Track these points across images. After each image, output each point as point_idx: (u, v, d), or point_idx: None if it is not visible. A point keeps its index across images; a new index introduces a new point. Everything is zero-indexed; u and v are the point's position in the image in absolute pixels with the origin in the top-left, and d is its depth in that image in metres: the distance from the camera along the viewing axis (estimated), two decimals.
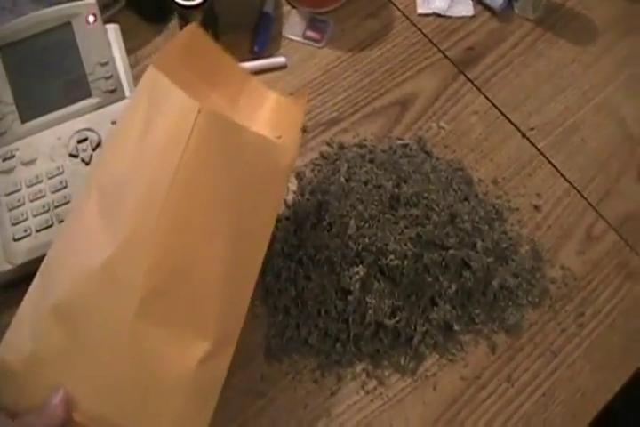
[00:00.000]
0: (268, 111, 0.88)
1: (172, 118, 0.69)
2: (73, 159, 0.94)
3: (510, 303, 1.01)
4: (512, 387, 0.97)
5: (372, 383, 0.94)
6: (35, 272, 0.74)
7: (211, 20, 1.01)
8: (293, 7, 1.17)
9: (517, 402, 0.96)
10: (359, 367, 0.95)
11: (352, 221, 0.93)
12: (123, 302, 0.68)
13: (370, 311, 0.92)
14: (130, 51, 1.05)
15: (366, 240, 0.92)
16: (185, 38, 0.80)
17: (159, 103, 0.71)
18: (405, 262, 0.92)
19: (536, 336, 1.00)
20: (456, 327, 0.96)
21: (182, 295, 0.70)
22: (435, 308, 0.96)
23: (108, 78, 0.97)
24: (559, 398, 0.97)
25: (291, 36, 1.14)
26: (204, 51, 0.82)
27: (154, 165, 0.69)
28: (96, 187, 0.73)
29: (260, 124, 0.85)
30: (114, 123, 0.95)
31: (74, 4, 0.97)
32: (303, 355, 0.94)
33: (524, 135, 1.13)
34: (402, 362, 0.96)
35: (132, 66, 1.04)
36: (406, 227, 0.94)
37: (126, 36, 1.04)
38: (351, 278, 0.92)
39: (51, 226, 0.90)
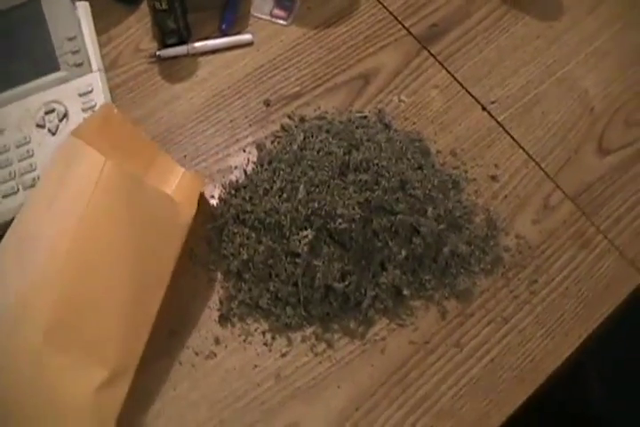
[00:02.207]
0: (174, 184, 0.89)
1: (81, 171, 0.73)
2: (40, 129, 0.90)
3: (462, 270, 0.93)
4: (461, 352, 0.90)
5: (322, 346, 0.88)
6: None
7: (178, 1, 0.93)
8: None
9: (466, 366, 0.89)
10: (309, 331, 0.88)
11: (302, 186, 0.87)
12: (30, 329, 0.70)
13: (319, 275, 0.85)
14: (102, 30, 1.01)
15: (315, 204, 0.85)
16: (102, 114, 0.83)
17: (72, 162, 0.74)
18: (353, 226, 0.85)
19: (487, 303, 0.93)
20: (405, 292, 0.89)
21: (86, 327, 0.72)
22: (384, 273, 0.89)
23: (75, 53, 0.92)
24: (508, 363, 0.90)
25: (258, 15, 1.07)
26: (119, 126, 0.84)
27: (64, 211, 0.73)
28: (15, 236, 0.77)
29: None
30: (81, 95, 0.92)
31: None
32: (255, 318, 0.88)
33: (484, 108, 1.04)
34: (351, 326, 0.89)
35: (104, 44, 1.01)
36: (355, 192, 0.87)
37: (98, 16, 0.99)
38: (300, 242, 0.85)
39: (16, 192, 0.87)
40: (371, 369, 0.88)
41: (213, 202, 0.93)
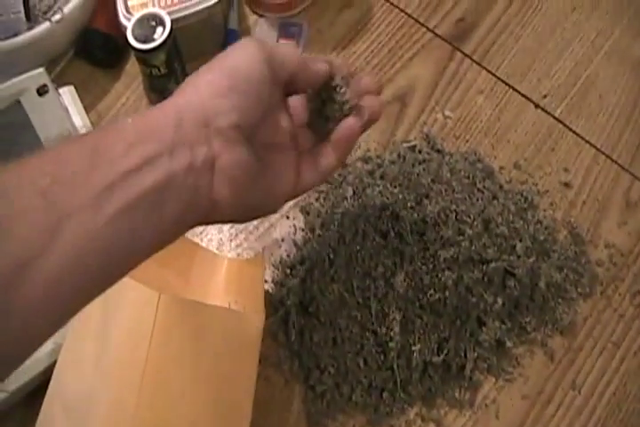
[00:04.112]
0: (222, 276, 0.70)
1: (132, 312, 0.57)
2: None
3: (560, 300, 0.76)
4: (579, 394, 0.73)
5: None
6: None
7: (174, 55, 0.72)
8: (260, 16, 0.86)
9: (588, 409, 0.73)
10: (412, 413, 0.70)
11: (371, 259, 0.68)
12: None
13: (415, 354, 0.68)
14: (89, 105, 0.79)
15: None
16: None
17: (114, 299, 0.56)
18: (447, 293, 0.68)
19: (593, 330, 0.76)
20: (509, 344, 0.71)
21: None
22: (483, 328, 0.71)
23: None
24: (632, 392, 0.74)
25: None
26: None
27: (120, 366, 0.56)
28: (60, 403, 0.59)
29: (215, 291, 0.68)
30: None
31: (20, 78, 0.70)
32: (349, 414, 0.69)
33: (537, 105, 0.84)
34: (457, 396, 0.71)
35: (95, 124, 0.77)
36: (439, 250, 0.68)
37: (83, 89, 0.78)
38: (388, 328, 0.68)
39: None
40: None
41: (268, 287, 0.73)
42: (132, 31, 0.70)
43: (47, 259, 0.34)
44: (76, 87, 0.77)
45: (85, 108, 0.77)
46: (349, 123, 0.51)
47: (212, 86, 0.43)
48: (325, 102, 0.52)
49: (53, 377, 0.60)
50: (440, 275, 0.68)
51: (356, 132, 0.52)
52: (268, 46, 0.46)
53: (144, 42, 0.69)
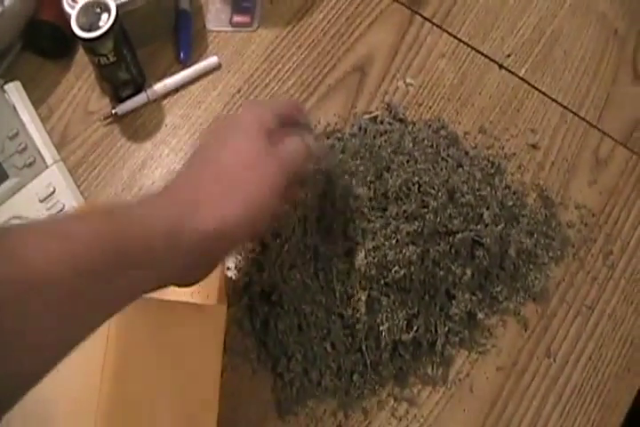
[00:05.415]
0: None
1: None
2: None
3: (531, 266, 0.71)
4: (554, 361, 0.69)
5: (403, 407, 0.66)
6: None
7: (122, 42, 0.65)
8: None
9: (564, 376, 0.69)
10: (384, 393, 0.66)
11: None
12: None
13: (384, 333, 0.64)
14: (40, 99, 0.73)
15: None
16: None
17: None
18: (412, 268, 0.62)
19: (567, 294, 0.71)
20: (480, 315, 0.67)
21: None
22: (453, 301, 0.66)
23: (21, 152, 0.65)
24: (607, 356, 0.70)
25: (217, 28, 0.77)
26: None
27: (79, 359, 0.50)
28: (20, 412, 0.50)
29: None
30: (42, 200, 0.64)
31: None
32: (319, 399, 0.65)
33: (501, 66, 0.78)
34: (429, 372, 0.67)
35: (46, 118, 0.71)
36: (402, 224, 0.63)
37: (33, 82, 0.72)
38: (354, 309, 0.63)
39: None
40: (463, 415, 0.66)
41: (230, 274, 0.68)
42: (77, 19, 0.64)
43: None
44: (26, 81, 0.72)
45: (36, 101, 0.72)
46: None
47: None
48: None
49: None
50: (404, 250, 0.63)
51: None
52: None
53: (89, 30, 0.63)
